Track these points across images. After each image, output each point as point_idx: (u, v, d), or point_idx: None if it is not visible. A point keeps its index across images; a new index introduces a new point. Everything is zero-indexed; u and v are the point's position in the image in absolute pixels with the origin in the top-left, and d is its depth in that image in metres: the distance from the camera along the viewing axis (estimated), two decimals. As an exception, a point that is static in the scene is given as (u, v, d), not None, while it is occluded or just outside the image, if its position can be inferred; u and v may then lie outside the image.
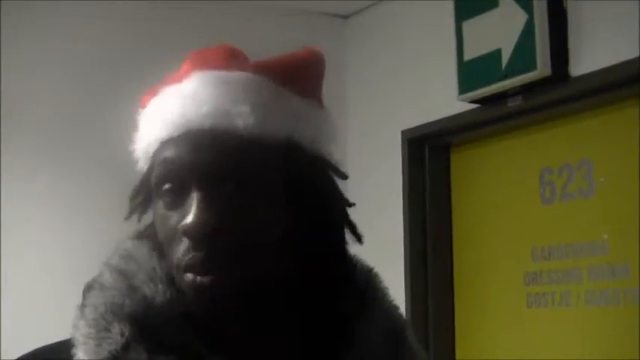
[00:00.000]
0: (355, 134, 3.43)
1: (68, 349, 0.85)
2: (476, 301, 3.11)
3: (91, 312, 0.85)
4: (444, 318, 3.15)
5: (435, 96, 3.14)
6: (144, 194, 0.92)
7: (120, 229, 0.94)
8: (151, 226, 0.92)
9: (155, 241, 0.90)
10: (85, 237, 3.00)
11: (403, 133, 3.26)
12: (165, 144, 0.87)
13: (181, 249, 0.84)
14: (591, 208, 2.70)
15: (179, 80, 0.90)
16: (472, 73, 2.87)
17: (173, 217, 0.85)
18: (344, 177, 0.93)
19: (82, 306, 0.87)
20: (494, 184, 3.09)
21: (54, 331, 0.95)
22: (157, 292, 0.86)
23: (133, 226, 0.95)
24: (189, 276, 0.83)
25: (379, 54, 3.50)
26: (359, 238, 0.93)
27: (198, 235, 0.82)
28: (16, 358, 0.90)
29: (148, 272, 0.87)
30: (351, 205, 0.94)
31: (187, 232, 0.82)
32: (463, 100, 2.94)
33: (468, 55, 2.89)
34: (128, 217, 0.93)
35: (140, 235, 0.93)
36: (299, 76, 0.91)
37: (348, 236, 0.94)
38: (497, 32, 2.77)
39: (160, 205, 0.87)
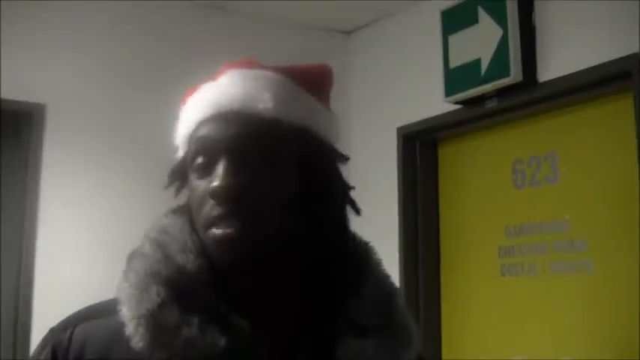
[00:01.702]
0: (358, 131, 3.44)
1: (115, 305, 0.90)
2: (459, 271, 3.16)
3: (134, 276, 0.90)
4: (432, 287, 3.22)
5: (425, 98, 3.20)
6: (180, 172, 0.97)
7: (158, 207, 0.99)
8: (185, 204, 0.97)
9: (188, 216, 0.95)
10: (128, 216, 3.04)
11: (398, 129, 3.34)
12: (200, 124, 0.93)
13: (208, 208, 0.89)
14: (556, 193, 2.78)
15: (215, 78, 0.98)
16: (456, 78, 2.95)
17: (202, 184, 0.91)
18: (345, 159, 0.99)
19: (127, 271, 0.92)
20: (475, 173, 3.13)
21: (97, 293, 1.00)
22: (187, 261, 0.90)
23: (170, 204, 0.99)
24: (214, 230, 0.88)
25: (378, 63, 3.56)
26: (357, 211, 0.98)
27: (223, 195, 0.87)
28: (74, 312, 0.97)
29: (180, 244, 0.91)
30: (351, 186, 0.99)
31: (213, 193, 0.88)
32: (449, 102, 3.03)
33: (452, 64, 2.98)
34: (167, 188, 0.98)
35: (175, 212, 0.97)
36: (312, 81, 0.98)
37: (349, 211, 0.99)
38: (477, 44, 2.86)
39: (193, 177, 0.93)
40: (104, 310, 0.93)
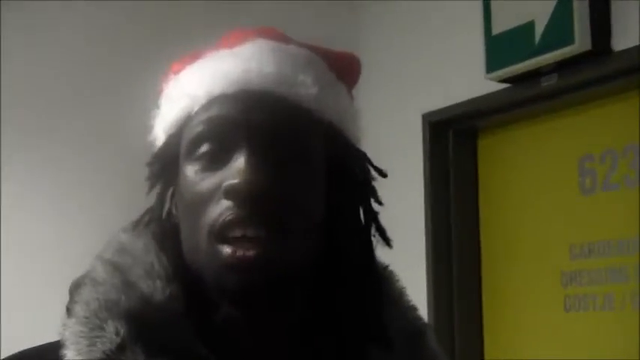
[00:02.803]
0: (372, 119, 3.27)
1: (57, 349, 0.83)
2: (507, 304, 3.04)
3: (83, 309, 0.84)
4: (471, 323, 3.09)
5: (459, 75, 3.05)
6: (161, 162, 0.91)
7: (115, 221, 0.95)
8: (150, 211, 0.92)
9: (156, 229, 0.90)
10: (81, 228, 2.97)
11: (424, 116, 3.16)
12: (214, 101, 0.86)
13: (218, 210, 0.82)
14: (637, 200, 2.58)
15: (229, 46, 0.91)
16: (501, 48, 2.78)
17: (210, 178, 0.84)
18: (383, 175, 0.93)
19: (72, 303, 0.85)
20: (527, 173, 3.00)
21: (45, 329, 0.93)
22: (155, 289, 0.84)
23: (130, 216, 0.93)
24: (227, 249, 0.81)
25: (398, 30, 3.39)
26: (387, 242, 0.92)
27: (246, 194, 0.80)
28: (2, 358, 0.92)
29: (144, 267, 0.86)
30: (381, 203, 0.94)
31: (234, 190, 0.81)
32: (491, 80, 2.84)
33: (496, 29, 2.80)
34: (148, 182, 0.92)
35: (137, 224, 0.91)
36: (345, 69, 0.95)
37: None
38: (529, 2, 2.67)
39: (191, 169, 0.86)
40: (38, 357, 0.87)
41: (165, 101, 0.92)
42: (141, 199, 0.93)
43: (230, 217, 0.81)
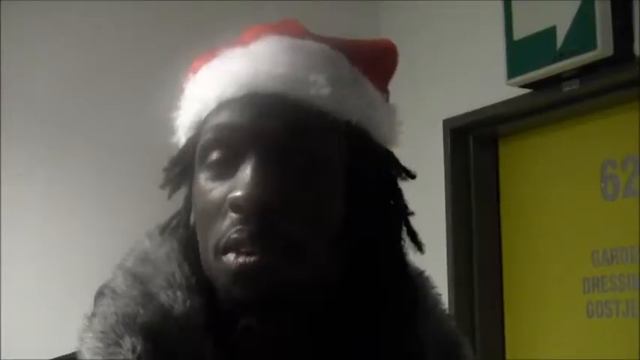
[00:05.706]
0: None
1: None
2: (528, 310, 3.02)
3: (100, 323, 0.81)
4: (493, 329, 3.07)
5: (480, 81, 3.04)
6: (182, 165, 0.88)
7: (125, 227, 0.87)
8: (177, 215, 0.89)
9: (178, 237, 0.88)
10: (88, 235, 2.95)
11: (445, 122, 3.16)
12: (223, 106, 0.83)
13: (225, 225, 0.79)
14: None
15: (244, 43, 0.87)
16: (523, 54, 2.77)
17: (219, 189, 0.81)
18: (412, 176, 0.89)
19: (92, 315, 0.83)
20: (549, 179, 2.98)
21: (53, 337, 0.92)
22: (175, 300, 0.82)
23: (143, 223, 0.91)
24: (230, 256, 0.77)
25: (417, 34, 3.37)
26: (420, 247, 0.89)
27: (251, 208, 0.76)
28: None
29: (166, 277, 0.83)
30: (411, 212, 0.90)
31: (238, 203, 0.77)
32: (512, 85, 2.83)
33: (518, 34, 2.79)
34: (163, 188, 0.90)
35: (164, 229, 0.89)
36: (373, 64, 0.89)
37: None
38: (551, 7, 2.67)
39: (203, 177, 0.83)
40: None
41: (184, 102, 0.90)
42: (147, 207, 0.91)
43: (234, 235, 0.79)
